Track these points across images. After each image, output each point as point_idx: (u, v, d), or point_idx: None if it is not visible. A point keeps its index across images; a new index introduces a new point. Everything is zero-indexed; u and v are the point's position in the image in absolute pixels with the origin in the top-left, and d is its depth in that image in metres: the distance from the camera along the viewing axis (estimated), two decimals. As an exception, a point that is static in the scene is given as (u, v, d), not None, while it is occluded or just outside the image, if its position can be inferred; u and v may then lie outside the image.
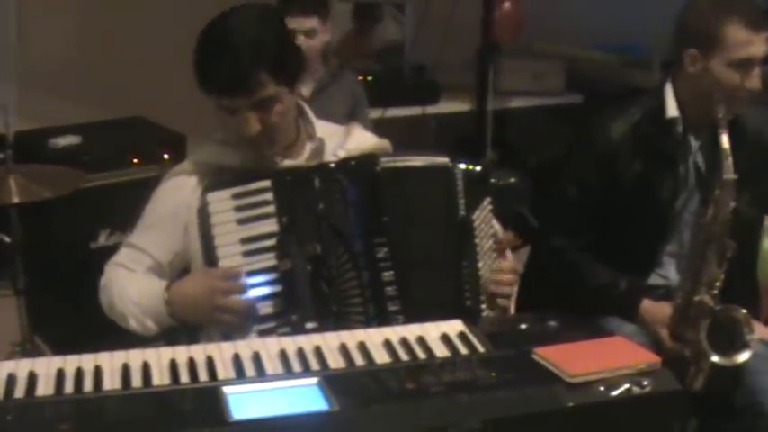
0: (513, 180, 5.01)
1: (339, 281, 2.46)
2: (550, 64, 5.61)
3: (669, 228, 3.12)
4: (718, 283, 2.87)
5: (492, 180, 2.67)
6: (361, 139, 2.73)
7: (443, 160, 2.59)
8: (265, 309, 2.42)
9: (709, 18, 2.92)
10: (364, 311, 2.45)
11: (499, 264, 2.62)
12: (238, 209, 2.44)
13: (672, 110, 3.04)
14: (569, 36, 5.98)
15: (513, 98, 5.44)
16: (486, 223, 2.61)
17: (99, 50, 4.79)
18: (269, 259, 2.43)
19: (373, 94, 4.45)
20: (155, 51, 4.88)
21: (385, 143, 2.74)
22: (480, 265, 2.57)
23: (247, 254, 2.43)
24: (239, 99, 2.42)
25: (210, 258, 2.44)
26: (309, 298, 2.42)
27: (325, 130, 2.69)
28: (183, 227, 2.54)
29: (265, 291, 2.42)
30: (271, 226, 2.44)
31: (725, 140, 2.80)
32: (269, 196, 2.45)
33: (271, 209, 2.45)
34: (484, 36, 4.90)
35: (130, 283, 2.55)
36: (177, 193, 2.57)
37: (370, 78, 4.78)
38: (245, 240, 2.44)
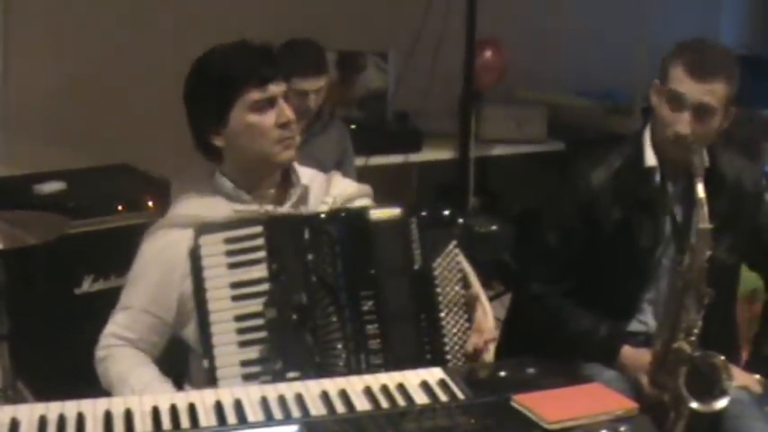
0: (494, 227, 5.02)
1: (323, 332, 2.47)
2: (533, 111, 5.64)
3: (649, 275, 3.14)
4: (695, 330, 2.88)
5: (460, 220, 2.63)
6: (342, 186, 2.78)
7: (395, 210, 2.59)
8: (250, 354, 2.43)
9: (671, 53, 3.00)
10: (347, 364, 2.46)
11: (470, 315, 2.60)
12: (229, 253, 2.47)
13: (650, 158, 3.08)
14: (551, 83, 6.04)
15: (495, 146, 5.47)
16: (451, 269, 2.59)
17: (84, 97, 4.81)
18: (257, 305, 2.45)
19: (356, 142, 4.49)
20: (140, 98, 4.91)
21: (366, 188, 2.79)
22: (443, 314, 2.56)
23: (236, 298, 2.45)
24: (279, 83, 2.56)
25: (200, 301, 2.45)
26: (293, 347, 2.43)
27: (308, 176, 2.73)
28: (178, 277, 2.54)
29: (251, 336, 2.43)
30: (260, 272, 2.47)
31: (700, 189, 2.83)
32: (260, 242, 2.48)
33: (261, 254, 2.47)
34: (466, 84, 4.94)
35: (135, 372, 2.53)
36: (169, 245, 2.57)
37: (353, 126, 4.81)
38: (234, 285, 2.46)
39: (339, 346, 2.47)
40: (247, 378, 2.41)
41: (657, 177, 3.09)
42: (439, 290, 2.57)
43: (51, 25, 4.75)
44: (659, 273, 3.13)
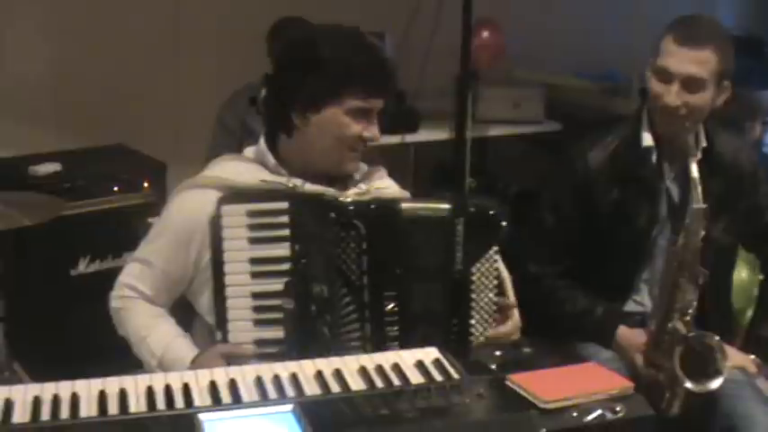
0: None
1: (341, 328, 2.45)
2: (530, 91, 5.62)
3: (645, 255, 3.15)
4: (690, 310, 2.89)
5: (503, 223, 2.52)
6: (383, 184, 2.73)
7: (444, 207, 2.53)
8: (265, 333, 2.44)
9: (663, 30, 2.99)
10: None
11: (497, 317, 2.57)
12: (252, 227, 2.44)
13: (647, 139, 3.08)
14: (548, 63, 6.02)
15: (492, 126, 5.46)
16: (488, 276, 2.54)
17: (80, 78, 4.80)
18: (276, 284, 2.43)
19: (353, 123, 4.47)
20: (136, 79, 4.90)
21: (405, 194, 2.73)
22: (474, 321, 2.53)
23: (255, 275, 2.44)
24: (382, 100, 2.54)
25: (217, 273, 2.44)
26: (308, 339, 2.42)
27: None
28: (197, 241, 2.53)
29: (267, 316, 2.43)
30: (282, 250, 2.44)
31: (694, 169, 2.83)
32: (284, 219, 2.44)
33: (284, 232, 2.44)
34: (463, 64, 4.91)
35: (153, 332, 2.55)
36: (192, 207, 2.54)
37: (349, 106, 4.80)
38: (254, 261, 2.44)
39: (356, 344, 2.45)
40: (260, 358, 2.40)
41: (654, 157, 3.08)
42: (474, 296, 2.53)
43: (46, 6, 4.73)
44: (655, 253, 3.14)
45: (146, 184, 4.34)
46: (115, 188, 4.28)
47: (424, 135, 5.27)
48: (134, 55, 4.88)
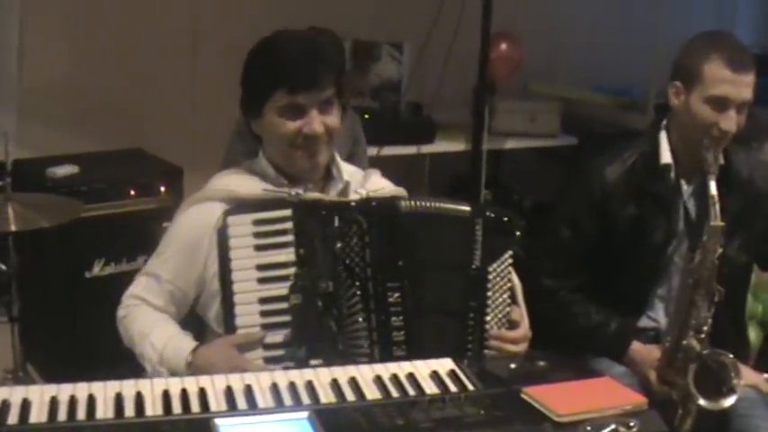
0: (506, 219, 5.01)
1: (348, 321, 2.47)
2: (546, 105, 5.62)
3: (661, 271, 3.14)
4: (705, 328, 2.89)
5: (518, 233, 2.61)
6: (378, 185, 2.77)
7: (465, 209, 2.60)
8: (274, 337, 2.44)
9: (695, 53, 2.98)
10: (370, 353, 2.46)
11: (510, 320, 2.61)
12: (257, 235, 2.47)
13: (665, 156, 3.08)
14: (565, 77, 6.03)
15: (508, 139, 5.46)
16: (503, 277, 2.60)
17: (99, 82, 4.82)
18: (282, 288, 2.45)
19: (369, 132, 4.48)
20: (154, 84, 4.92)
21: (401, 191, 2.77)
22: (488, 318, 2.57)
23: (262, 281, 2.46)
24: (313, 94, 2.52)
25: (225, 281, 2.46)
26: (317, 334, 2.43)
27: (349, 172, 2.73)
28: (203, 254, 2.55)
29: (275, 320, 2.44)
30: (287, 255, 2.47)
31: (713, 187, 2.84)
32: (288, 225, 2.48)
33: (289, 238, 2.47)
34: (480, 76, 4.92)
35: (156, 329, 2.56)
36: (198, 220, 2.57)
37: (366, 116, 4.81)
38: (260, 267, 2.46)
39: (362, 335, 2.47)
40: (269, 361, 2.42)
41: (672, 175, 3.08)
42: (490, 294, 2.58)
43: (66, 9, 4.75)
44: (671, 270, 3.13)
45: (162, 189, 4.36)
46: (132, 192, 4.30)
47: (440, 146, 5.27)
48: (152, 60, 4.90)
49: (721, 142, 2.96)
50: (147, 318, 2.60)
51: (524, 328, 2.64)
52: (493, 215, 2.60)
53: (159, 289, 2.62)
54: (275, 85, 2.52)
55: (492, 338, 2.56)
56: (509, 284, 2.61)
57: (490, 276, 2.57)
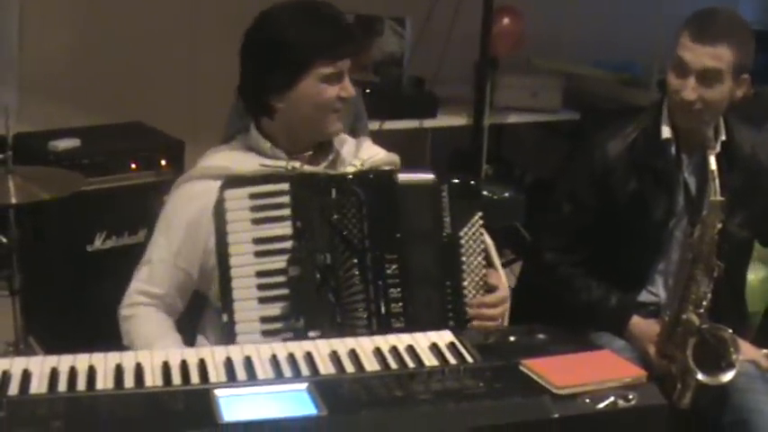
0: (507, 195, 5.03)
1: (346, 293, 2.48)
2: (548, 80, 5.62)
3: (661, 246, 3.14)
4: (705, 303, 2.89)
5: (484, 193, 2.69)
6: (371, 152, 2.80)
7: (429, 177, 2.62)
8: (271, 310, 2.45)
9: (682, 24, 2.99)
10: (368, 325, 2.47)
11: (487, 283, 2.64)
12: (254, 209, 2.47)
13: (666, 131, 3.07)
14: (568, 52, 6.01)
15: (510, 113, 5.46)
16: (475, 240, 2.62)
17: (99, 55, 4.82)
18: (279, 262, 2.45)
19: (371, 107, 4.47)
20: (154, 57, 4.92)
21: (394, 157, 2.80)
22: (466, 283, 2.60)
23: (259, 254, 2.46)
24: (350, 57, 2.59)
25: (222, 255, 2.46)
26: (315, 306, 2.44)
27: (338, 140, 2.75)
28: (204, 232, 2.55)
29: (273, 293, 2.45)
30: (284, 229, 2.47)
31: (712, 162, 2.83)
32: (285, 199, 2.48)
33: (286, 212, 2.48)
34: (482, 51, 4.92)
35: (162, 340, 2.54)
36: (195, 199, 2.57)
37: (368, 90, 4.81)
38: (257, 240, 2.46)
39: (361, 307, 2.48)
40: (267, 334, 2.42)
41: (672, 149, 3.08)
42: (464, 258, 2.60)
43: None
44: (671, 245, 3.13)
45: (163, 162, 4.37)
46: (133, 165, 4.30)
47: (441, 121, 5.28)
48: (153, 33, 4.90)
49: (690, 115, 2.95)
50: (152, 325, 2.59)
51: (503, 290, 2.67)
52: (457, 180, 2.62)
53: (160, 274, 2.60)
54: (319, 54, 2.54)
55: (473, 306, 2.59)
56: (482, 246, 2.64)
57: (462, 241, 2.60)
